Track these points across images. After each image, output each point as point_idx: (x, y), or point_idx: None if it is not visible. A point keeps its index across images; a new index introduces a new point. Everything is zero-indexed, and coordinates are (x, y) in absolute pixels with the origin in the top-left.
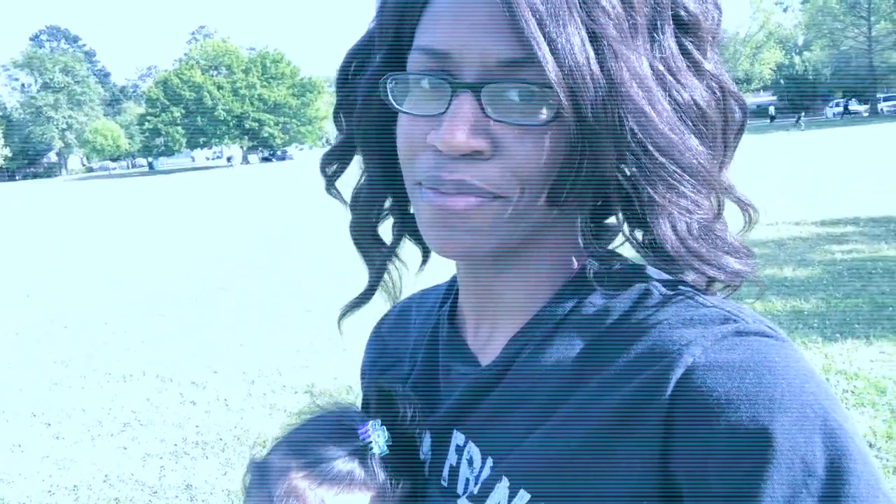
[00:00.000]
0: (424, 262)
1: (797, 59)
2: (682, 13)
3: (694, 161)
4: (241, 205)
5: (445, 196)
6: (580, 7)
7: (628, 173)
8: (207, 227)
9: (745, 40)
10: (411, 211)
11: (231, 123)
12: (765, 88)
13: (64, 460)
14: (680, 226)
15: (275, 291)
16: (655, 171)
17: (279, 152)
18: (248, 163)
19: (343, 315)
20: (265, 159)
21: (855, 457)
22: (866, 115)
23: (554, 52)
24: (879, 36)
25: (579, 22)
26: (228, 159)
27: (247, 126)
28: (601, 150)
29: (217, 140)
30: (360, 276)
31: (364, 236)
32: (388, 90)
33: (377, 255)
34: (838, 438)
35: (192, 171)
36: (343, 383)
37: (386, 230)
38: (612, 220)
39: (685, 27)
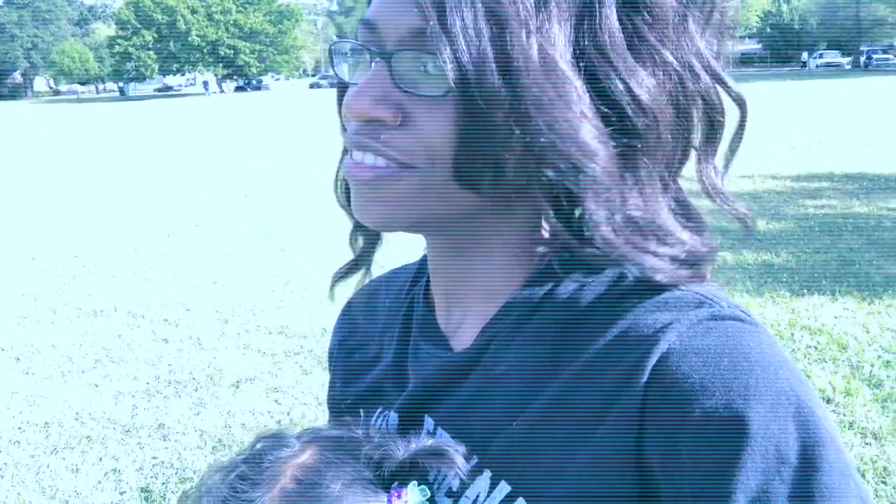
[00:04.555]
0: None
1: (784, 8)
2: None
3: (597, 161)
4: (215, 136)
5: (355, 164)
6: None
7: (524, 158)
8: (181, 158)
9: None
10: None
11: (205, 50)
12: (750, 36)
13: (34, 396)
14: (602, 216)
15: (249, 229)
16: (551, 160)
17: (254, 81)
18: (222, 91)
19: (336, 282)
20: (239, 88)
21: (827, 444)
22: (849, 67)
23: (443, 25)
24: None
25: None
26: (205, 85)
27: (221, 53)
28: (491, 131)
29: (190, 66)
30: (332, 216)
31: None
32: (332, 56)
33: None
34: (811, 426)
35: (165, 97)
36: (318, 325)
37: None
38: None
39: (634, 5)
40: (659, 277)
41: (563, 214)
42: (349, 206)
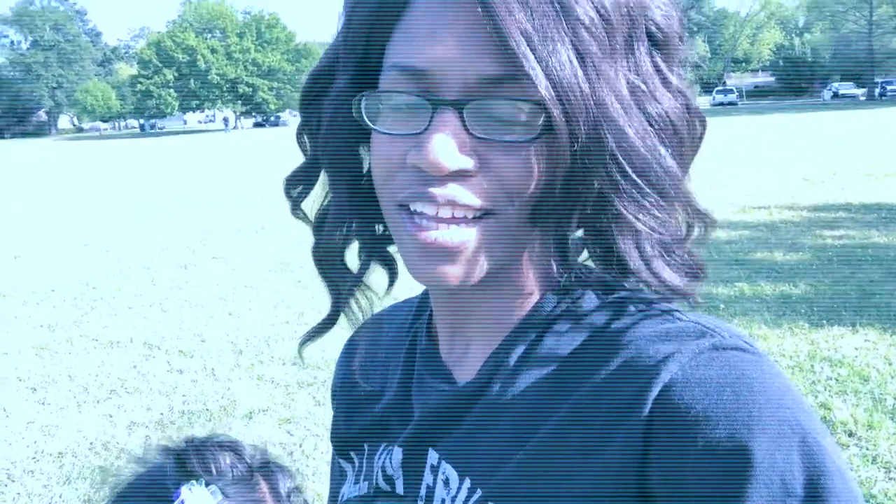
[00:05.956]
0: (391, 285)
1: (797, 41)
2: (654, 29)
3: (667, 180)
4: (233, 170)
5: (435, 229)
6: (565, 24)
7: (602, 190)
8: (200, 191)
9: (746, 20)
10: (380, 231)
11: (224, 88)
12: (763, 69)
13: (49, 426)
14: (643, 244)
15: (265, 262)
16: (628, 191)
17: (272, 118)
18: (241, 128)
19: (303, 343)
20: (258, 124)
21: (833, 475)
22: (863, 98)
23: (545, 69)
24: (880, 20)
25: (565, 39)
26: (225, 121)
27: (240, 91)
28: (584, 167)
29: (210, 104)
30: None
31: (329, 262)
32: (363, 109)
33: (342, 282)
34: (816, 456)
35: (185, 134)
36: (331, 356)
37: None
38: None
39: (656, 44)
40: (675, 284)
41: (596, 236)
42: (338, 272)
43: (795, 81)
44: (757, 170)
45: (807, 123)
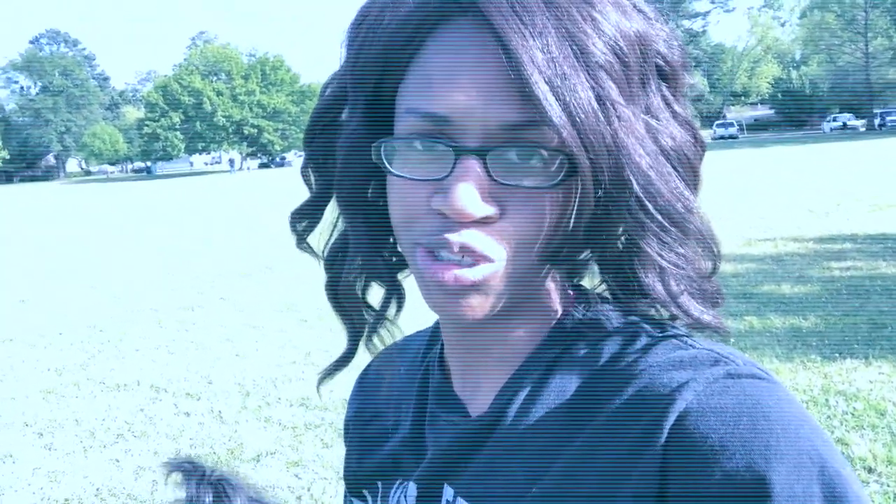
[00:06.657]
0: (398, 311)
1: (794, 74)
2: (661, 62)
3: (689, 217)
4: (239, 211)
5: (448, 266)
6: (585, 68)
7: (625, 231)
8: (205, 233)
9: (743, 54)
10: (392, 260)
11: (230, 129)
12: (762, 102)
13: (55, 472)
14: (668, 280)
15: (271, 302)
16: (653, 230)
17: (278, 158)
18: (247, 169)
19: (322, 379)
20: (263, 165)
21: None
22: (863, 130)
23: (568, 115)
24: (876, 52)
25: (586, 83)
26: (231, 163)
27: (246, 132)
28: (606, 211)
29: (216, 146)
30: None
31: (345, 296)
32: (382, 155)
33: (358, 316)
34: (837, 486)
35: (191, 175)
36: (339, 396)
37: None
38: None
39: (663, 76)
40: (706, 319)
41: (618, 272)
42: (352, 307)
43: (795, 114)
44: (761, 202)
45: (808, 155)
